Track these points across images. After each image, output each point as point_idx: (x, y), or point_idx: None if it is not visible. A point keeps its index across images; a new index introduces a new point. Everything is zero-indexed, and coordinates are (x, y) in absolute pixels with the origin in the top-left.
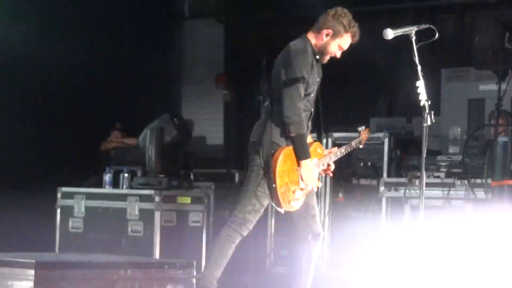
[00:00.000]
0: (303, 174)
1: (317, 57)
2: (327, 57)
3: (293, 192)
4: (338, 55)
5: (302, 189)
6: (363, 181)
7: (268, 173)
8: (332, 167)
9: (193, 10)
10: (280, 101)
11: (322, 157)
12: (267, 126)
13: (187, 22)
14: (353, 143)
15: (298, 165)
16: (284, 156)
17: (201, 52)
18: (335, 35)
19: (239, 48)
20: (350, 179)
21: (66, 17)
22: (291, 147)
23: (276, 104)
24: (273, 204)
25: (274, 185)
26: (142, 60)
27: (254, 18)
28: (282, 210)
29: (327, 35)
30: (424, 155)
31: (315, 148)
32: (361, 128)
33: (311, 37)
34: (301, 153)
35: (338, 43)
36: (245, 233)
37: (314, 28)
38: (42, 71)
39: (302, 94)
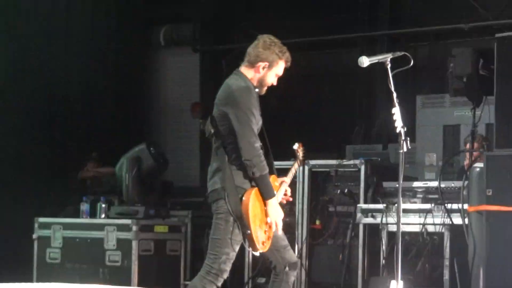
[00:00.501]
0: (271, 213)
1: (257, 90)
2: (265, 89)
3: (265, 232)
4: (275, 83)
5: (270, 227)
6: (340, 208)
7: (241, 219)
8: (288, 191)
9: (168, 39)
10: (233, 144)
11: (279, 189)
12: (226, 171)
13: (162, 50)
14: (296, 165)
15: (265, 204)
16: (252, 199)
17: (176, 81)
18: (271, 65)
19: (215, 76)
20: (327, 206)
21: (39, 44)
22: (255, 188)
23: (230, 148)
24: (249, 249)
25: (249, 231)
26: (118, 88)
27: (229, 47)
28: (257, 253)
29: (263, 68)
30: (401, 181)
31: (273, 181)
32: (296, 146)
33: (246, 71)
34: (267, 193)
35: (275, 72)
36: (220, 284)
37: (247, 62)
38: (17, 100)
39: (256, 133)
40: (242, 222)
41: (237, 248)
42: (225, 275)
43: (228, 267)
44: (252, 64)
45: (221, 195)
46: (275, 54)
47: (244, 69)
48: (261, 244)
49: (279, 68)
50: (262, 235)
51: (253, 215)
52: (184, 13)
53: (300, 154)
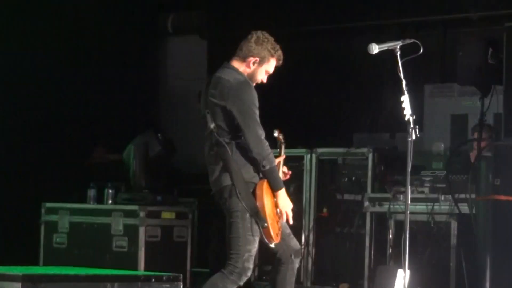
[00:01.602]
0: (281, 204)
1: None
2: (253, 85)
3: (277, 223)
4: (265, 80)
5: (280, 217)
6: (347, 197)
7: (257, 214)
8: (285, 169)
9: (176, 26)
10: (237, 139)
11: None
12: (233, 167)
13: (170, 38)
14: (283, 149)
15: (275, 196)
16: (265, 192)
17: (184, 68)
18: (261, 61)
19: (223, 63)
20: (334, 194)
21: (48, 34)
22: (265, 181)
23: (234, 143)
24: (265, 242)
25: (266, 224)
26: (126, 76)
27: (238, 34)
28: (273, 245)
29: (254, 63)
30: (409, 170)
31: None
32: (276, 133)
33: (237, 65)
34: (276, 184)
35: (266, 69)
36: (242, 283)
37: (238, 56)
38: (25, 87)
39: (260, 125)
40: (259, 216)
41: (257, 243)
42: (249, 273)
43: (251, 264)
44: (243, 59)
45: (233, 193)
46: (267, 50)
47: (235, 63)
48: (276, 235)
49: (270, 65)
50: (276, 226)
51: (267, 208)
52: (191, 0)
53: (282, 138)
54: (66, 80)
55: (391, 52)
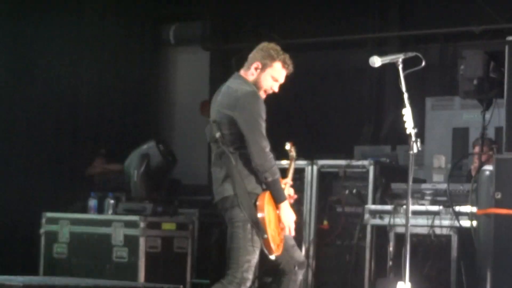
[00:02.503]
0: (284, 216)
1: None
2: (261, 93)
3: (278, 235)
4: (276, 88)
5: (282, 229)
6: (348, 209)
7: (257, 225)
8: (291, 191)
9: (178, 37)
10: (242, 150)
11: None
12: (236, 178)
13: (172, 49)
14: (292, 164)
15: (277, 208)
16: (267, 204)
17: (186, 79)
18: (264, 66)
19: (224, 75)
20: (335, 206)
21: (48, 43)
22: (267, 192)
23: (239, 153)
24: (266, 253)
25: (266, 236)
26: (127, 86)
27: (239, 45)
28: (273, 257)
29: (256, 68)
30: (410, 182)
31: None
32: (288, 146)
33: (244, 75)
34: (279, 197)
35: (271, 74)
36: None
37: (245, 66)
38: (27, 97)
39: (266, 137)
40: (259, 227)
41: (257, 254)
42: (248, 284)
43: (250, 275)
44: (248, 67)
45: (234, 203)
46: (268, 55)
47: (243, 73)
48: (277, 247)
49: (275, 70)
50: (277, 238)
51: (268, 219)
52: (194, 11)
53: (293, 153)
54: (68, 90)
55: (393, 65)
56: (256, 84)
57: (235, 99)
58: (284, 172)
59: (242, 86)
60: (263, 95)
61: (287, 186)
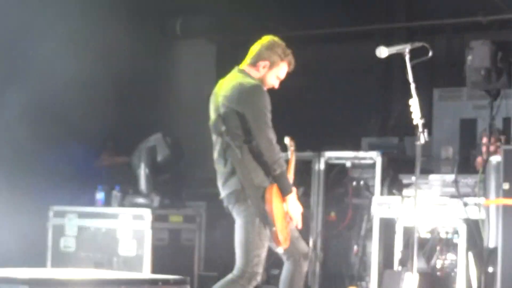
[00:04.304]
0: (291, 208)
1: None
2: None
3: (285, 228)
4: (277, 85)
5: (289, 222)
6: (355, 200)
7: (266, 218)
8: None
9: (185, 29)
10: (249, 143)
11: None
12: (243, 171)
13: (179, 41)
14: (293, 157)
15: (284, 200)
16: (274, 197)
17: (192, 71)
18: (272, 65)
19: (231, 67)
20: (343, 198)
21: (56, 36)
22: (274, 185)
23: (246, 147)
24: (274, 246)
25: (274, 228)
26: (134, 78)
27: (246, 38)
28: (281, 249)
29: (263, 67)
30: (418, 173)
31: None
32: (287, 140)
33: (248, 70)
34: (286, 189)
35: (276, 73)
36: (252, 287)
37: (250, 62)
38: (34, 89)
39: (273, 130)
40: (267, 220)
41: (266, 247)
42: (258, 278)
43: (260, 269)
44: (254, 63)
45: (242, 197)
46: (277, 55)
47: (246, 67)
48: (284, 239)
49: (280, 70)
50: (284, 230)
51: (276, 212)
52: (200, 4)
53: (293, 146)
54: (73, 82)
55: (400, 56)
56: (261, 81)
57: (240, 93)
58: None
59: (247, 80)
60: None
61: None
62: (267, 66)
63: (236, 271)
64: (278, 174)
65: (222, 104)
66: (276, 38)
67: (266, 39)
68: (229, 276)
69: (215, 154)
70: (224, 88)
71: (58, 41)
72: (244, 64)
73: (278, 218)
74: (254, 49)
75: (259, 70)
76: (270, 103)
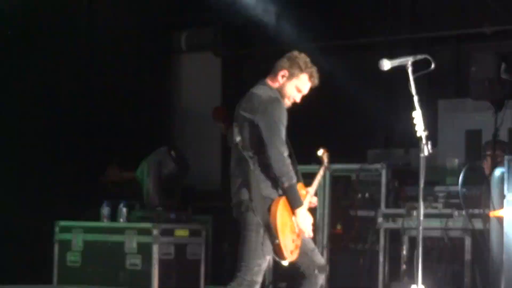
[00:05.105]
0: (300, 222)
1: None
2: (285, 101)
3: (293, 241)
4: (298, 99)
5: (298, 235)
6: (361, 213)
7: (269, 229)
8: (314, 200)
9: (190, 43)
10: (260, 154)
11: (305, 197)
12: (252, 182)
13: (184, 55)
14: (321, 172)
15: (293, 214)
16: (280, 209)
17: (198, 85)
18: (291, 76)
19: (236, 81)
20: (348, 210)
21: (62, 51)
22: (283, 197)
23: (257, 157)
24: (277, 259)
25: (277, 241)
26: (139, 93)
27: (251, 51)
28: (286, 262)
29: (282, 76)
30: (422, 185)
31: (299, 189)
32: (321, 152)
33: (270, 82)
34: (295, 202)
35: (296, 85)
36: None
37: (271, 73)
38: (40, 105)
39: (284, 143)
40: (270, 231)
41: (268, 258)
42: (257, 287)
43: (260, 278)
44: (275, 74)
45: (249, 207)
46: (297, 65)
47: (268, 79)
48: (289, 253)
49: (301, 81)
50: (290, 244)
51: (281, 225)
52: (205, 18)
53: (325, 160)
54: (80, 97)
55: (403, 68)
56: (280, 91)
57: (257, 104)
58: (307, 177)
59: (266, 92)
60: (287, 103)
61: (307, 196)
62: (286, 75)
63: (235, 278)
64: (286, 187)
65: (239, 115)
66: (301, 53)
67: (291, 52)
68: (229, 284)
69: (231, 163)
70: (244, 99)
71: (63, 56)
72: (267, 77)
73: (283, 231)
74: (278, 61)
75: (278, 79)
76: (286, 117)
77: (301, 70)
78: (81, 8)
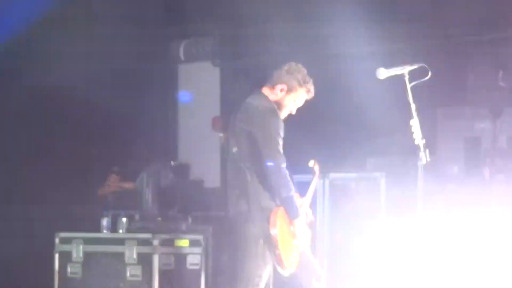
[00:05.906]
0: (298, 232)
1: None
2: (282, 113)
3: (292, 251)
4: (294, 111)
5: (297, 246)
6: (362, 221)
7: (269, 240)
8: (309, 213)
9: (188, 53)
10: (258, 165)
11: (301, 207)
12: (250, 193)
13: (182, 65)
14: (314, 182)
15: (291, 224)
16: (279, 220)
17: (197, 95)
18: (289, 90)
19: (235, 91)
20: (348, 219)
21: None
22: (281, 208)
23: (255, 168)
24: (278, 269)
25: (278, 251)
26: (138, 103)
27: (250, 61)
28: (286, 272)
29: (281, 90)
30: (421, 193)
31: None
32: (311, 163)
33: (267, 92)
34: (293, 213)
35: (294, 99)
36: None
37: (269, 83)
38: (40, 113)
39: (282, 154)
40: (271, 242)
41: (269, 269)
42: None
43: None
44: (273, 86)
45: (248, 218)
46: (296, 80)
47: (264, 89)
48: (290, 263)
49: (298, 96)
50: (290, 254)
51: (281, 235)
52: (204, 28)
53: (317, 170)
54: (79, 108)
55: (400, 77)
56: (278, 104)
57: (254, 115)
58: (303, 186)
59: (262, 102)
60: (285, 114)
61: (304, 205)
62: (284, 90)
63: None
64: (284, 198)
65: (236, 125)
66: (299, 64)
67: (288, 64)
68: None
69: (229, 175)
70: (241, 109)
71: (62, 69)
72: (264, 87)
73: (282, 241)
74: (275, 72)
75: (277, 93)
76: (283, 128)
77: (300, 85)
78: (80, 16)
